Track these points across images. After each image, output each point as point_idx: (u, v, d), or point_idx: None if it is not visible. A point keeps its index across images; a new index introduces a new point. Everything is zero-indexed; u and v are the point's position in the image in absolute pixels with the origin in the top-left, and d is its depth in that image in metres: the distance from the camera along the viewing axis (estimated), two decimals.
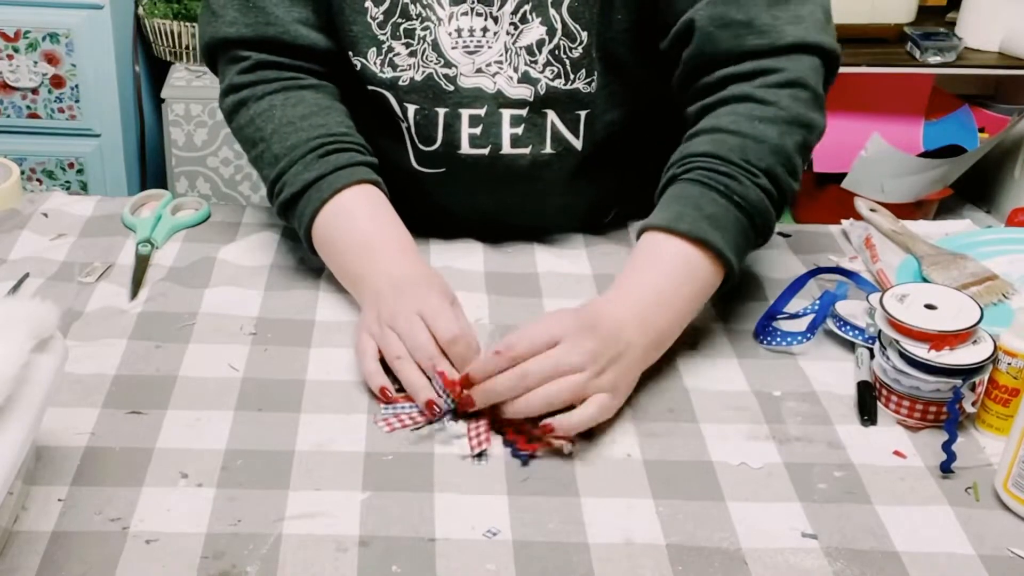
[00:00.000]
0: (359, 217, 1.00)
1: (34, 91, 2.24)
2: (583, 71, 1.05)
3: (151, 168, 2.48)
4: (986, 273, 1.05)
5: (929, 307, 0.90)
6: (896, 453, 0.86)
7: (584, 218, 1.17)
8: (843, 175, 2.30)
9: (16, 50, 2.21)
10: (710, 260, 0.92)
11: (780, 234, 1.18)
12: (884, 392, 0.90)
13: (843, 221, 1.21)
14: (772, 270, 1.11)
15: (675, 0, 1.00)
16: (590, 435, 0.86)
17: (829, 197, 2.40)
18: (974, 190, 2.53)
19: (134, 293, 1.02)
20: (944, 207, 2.51)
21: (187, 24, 2.32)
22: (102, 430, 0.84)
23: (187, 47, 2.36)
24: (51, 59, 2.21)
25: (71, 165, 2.32)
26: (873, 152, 2.26)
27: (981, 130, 2.37)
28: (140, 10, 2.36)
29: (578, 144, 1.09)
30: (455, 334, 0.88)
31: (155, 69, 2.47)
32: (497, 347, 0.84)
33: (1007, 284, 1.04)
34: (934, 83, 2.36)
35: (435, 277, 0.96)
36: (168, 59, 2.39)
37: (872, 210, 1.18)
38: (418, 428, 0.85)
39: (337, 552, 0.74)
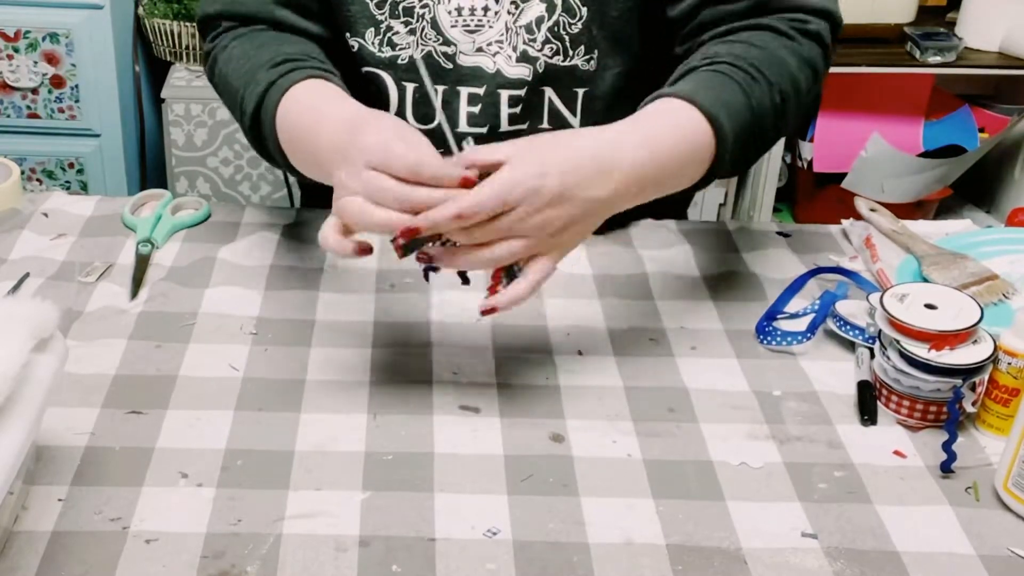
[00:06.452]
0: (300, 102, 0.93)
1: (34, 91, 2.24)
2: (582, 47, 1.05)
3: (151, 168, 2.47)
4: (986, 273, 1.05)
5: (929, 307, 0.90)
6: (896, 453, 0.86)
7: None
8: (843, 175, 2.30)
9: (16, 50, 2.21)
10: (712, 142, 0.89)
11: (780, 234, 1.18)
12: (884, 392, 0.90)
13: (843, 221, 1.21)
14: (772, 270, 1.11)
15: None
16: (590, 435, 0.86)
17: (829, 197, 2.40)
18: (974, 190, 2.53)
19: (134, 293, 1.02)
20: (944, 207, 2.51)
21: (187, 24, 2.32)
22: (102, 430, 0.84)
23: (187, 47, 2.36)
24: (51, 59, 2.21)
25: (71, 165, 2.32)
26: (873, 152, 2.26)
27: (981, 130, 2.37)
28: (140, 10, 2.36)
29: (575, 122, 1.09)
30: (410, 161, 0.79)
31: (155, 69, 2.46)
32: (461, 208, 0.77)
33: (1007, 284, 1.04)
34: (934, 83, 2.36)
35: (368, 119, 0.86)
36: (168, 59, 2.39)
37: (872, 210, 1.18)
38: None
39: (337, 552, 0.74)
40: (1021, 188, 2.39)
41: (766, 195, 2.38)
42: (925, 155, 2.32)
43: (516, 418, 0.88)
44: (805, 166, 2.40)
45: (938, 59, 2.20)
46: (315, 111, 0.92)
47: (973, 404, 0.87)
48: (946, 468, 0.83)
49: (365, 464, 0.82)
